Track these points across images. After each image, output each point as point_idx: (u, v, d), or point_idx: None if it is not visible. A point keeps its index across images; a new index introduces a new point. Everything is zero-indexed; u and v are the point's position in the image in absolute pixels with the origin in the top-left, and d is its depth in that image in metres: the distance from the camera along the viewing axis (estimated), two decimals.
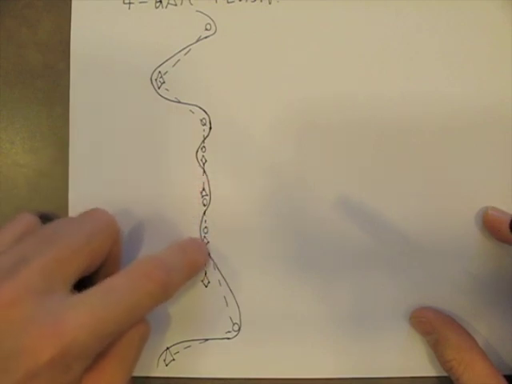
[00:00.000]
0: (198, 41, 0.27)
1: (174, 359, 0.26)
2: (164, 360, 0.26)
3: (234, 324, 0.27)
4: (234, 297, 0.27)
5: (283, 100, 0.27)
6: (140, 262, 0.21)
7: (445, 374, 0.25)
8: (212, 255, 0.27)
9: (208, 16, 0.27)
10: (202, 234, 0.27)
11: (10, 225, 0.23)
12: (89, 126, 0.27)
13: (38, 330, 0.18)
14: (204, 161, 0.27)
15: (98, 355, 0.20)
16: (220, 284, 0.27)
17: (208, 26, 0.27)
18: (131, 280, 0.20)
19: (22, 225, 0.23)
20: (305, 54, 0.27)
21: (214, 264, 0.27)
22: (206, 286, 0.27)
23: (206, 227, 0.27)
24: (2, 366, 0.18)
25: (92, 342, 0.19)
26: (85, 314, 0.19)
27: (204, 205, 0.27)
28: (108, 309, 0.19)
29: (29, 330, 0.18)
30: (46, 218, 0.25)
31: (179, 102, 0.27)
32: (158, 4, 0.27)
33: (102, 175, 0.27)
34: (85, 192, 0.27)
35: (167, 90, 0.27)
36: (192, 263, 0.24)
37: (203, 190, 0.27)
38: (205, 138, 0.27)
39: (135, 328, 0.21)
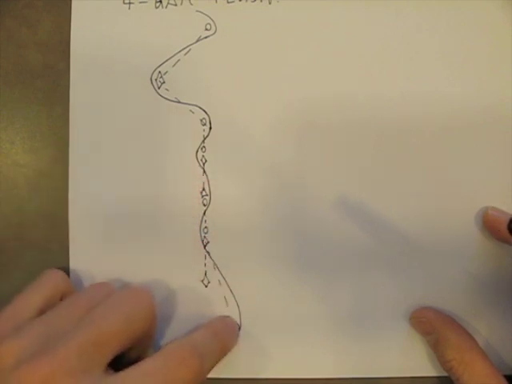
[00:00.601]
0: (198, 41, 0.27)
1: None
2: None
3: None
4: (234, 297, 0.27)
5: (283, 100, 0.27)
6: (176, 348, 0.21)
7: (445, 374, 0.25)
8: (212, 255, 0.27)
9: (208, 16, 0.27)
10: (202, 234, 0.27)
11: (37, 284, 0.23)
12: (89, 126, 0.27)
13: None
14: (204, 161, 0.27)
15: None
16: (220, 284, 0.27)
17: (208, 26, 0.27)
18: (166, 366, 0.20)
19: (51, 285, 0.23)
20: (305, 54, 0.27)
21: (214, 264, 0.27)
22: (206, 286, 0.27)
23: (205, 227, 0.27)
24: None
25: None
26: None
27: (204, 205, 0.27)
28: None
29: None
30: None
31: (179, 102, 0.27)
32: (158, 4, 0.27)
33: (102, 175, 0.27)
34: (85, 192, 0.27)
35: (167, 90, 0.27)
36: (224, 345, 0.24)
37: (203, 189, 0.27)
38: (205, 138, 0.27)
39: None
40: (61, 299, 0.24)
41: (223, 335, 0.25)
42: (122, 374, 0.20)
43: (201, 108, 0.27)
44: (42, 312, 0.22)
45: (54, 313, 0.21)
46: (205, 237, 0.27)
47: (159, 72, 0.27)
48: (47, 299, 0.23)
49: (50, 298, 0.23)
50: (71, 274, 0.27)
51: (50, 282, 0.24)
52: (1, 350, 0.19)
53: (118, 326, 0.21)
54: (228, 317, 0.26)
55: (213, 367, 0.23)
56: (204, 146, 0.27)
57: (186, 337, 0.22)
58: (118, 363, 0.21)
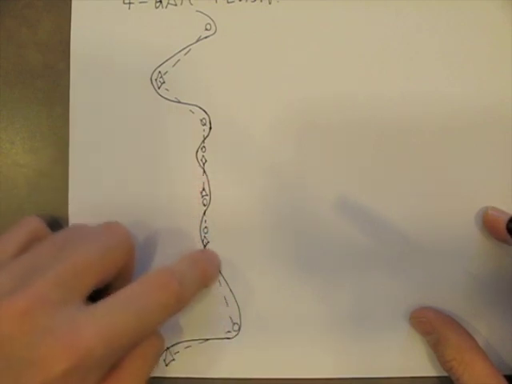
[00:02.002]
0: (198, 41, 0.27)
1: (174, 359, 0.26)
2: (164, 360, 0.26)
3: (234, 324, 0.27)
4: (234, 297, 0.27)
5: (283, 100, 0.27)
6: (153, 273, 0.21)
7: (445, 374, 0.25)
8: None
9: (208, 16, 0.27)
10: (202, 234, 0.27)
11: (15, 229, 0.23)
12: (89, 125, 0.27)
13: (53, 340, 0.18)
14: (204, 161, 0.27)
15: (112, 367, 0.20)
16: (220, 284, 0.27)
17: (208, 26, 0.27)
18: (145, 291, 0.20)
19: (29, 230, 0.23)
20: (305, 53, 0.27)
21: None
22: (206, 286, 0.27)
23: (205, 227, 0.27)
24: (16, 376, 0.18)
25: (107, 353, 0.19)
26: (100, 325, 0.19)
27: (204, 205, 0.27)
28: (123, 319, 0.19)
29: (44, 341, 0.18)
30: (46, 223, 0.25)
31: (179, 102, 0.27)
32: (158, 4, 0.27)
33: (102, 175, 0.27)
34: (85, 192, 0.27)
35: (167, 90, 0.27)
36: (204, 274, 0.24)
37: (203, 189, 0.27)
38: (205, 138, 0.27)
39: (150, 341, 0.21)
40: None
41: (203, 264, 0.24)
42: (101, 303, 0.20)
43: (201, 108, 0.27)
44: (20, 252, 0.22)
45: (30, 252, 0.21)
46: (205, 237, 0.27)
47: (159, 72, 0.27)
48: (24, 243, 0.22)
49: (27, 241, 0.22)
50: None
51: (26, 226, 0.23)
52: None
53: (93, 255, 0.21)
54: (208, 249, 0.26)
55: (194, 295, 0.23)
56: (204, 146, 0.27)
57: (164, 265, 0.22)
58: (99, 298, 0.21)
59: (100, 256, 0.21)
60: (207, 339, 0.27)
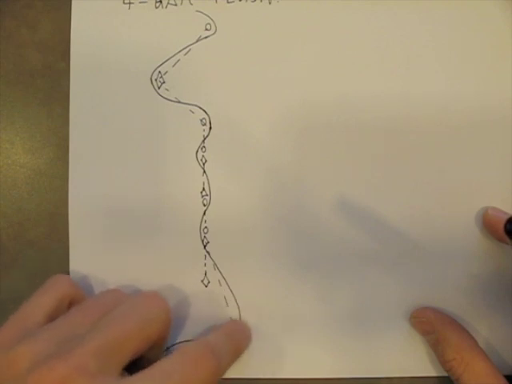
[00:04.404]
0: (197, 41, 0.27)
1: None
2: None
3: None
4: (233, 297, 0.27)
5: (283, 100, 0.27)
6: (191, 348, 0.21)
7: (445, 374, 0.25)
8: (212, 255, 0.27)
9: (208, 16, 0.27)
10: (202, 234, 0.27)
11: (44, 289, 0.23)
12: (89, 125, 0.27)
13: None
14: (204, 161, 0.27)
15: None
16: (220, 284, 0.27)
17: (208, 26, 0.27)
18: (183, 366, 0.20)
19: (58, 289, 0.23)
20: (305, 54, 0.27)
21: (214, 264, 0.27)
22: (206, 286, 0.27)
23: (205, 227, 0.27)
24: None
25: None
26: None
27: (204, 205, 0.27)
28: None
29: None
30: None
31: (179, 101, 0.27)
32: (157, 4, 0.27)
33: (102, 175, 0.27)
34: (85, 192, 0.27)
35: (167, 89, 0.27)
36: (238, 346, 0.25)
37: (203, 189, 0.27)
38: (205, 138, 0.27)
39: None
40: (69, 304, 0.24)
41: (236, 336, 0.25)
42: (139, 376, 0.19)
43: (201, 108, 0.27)
44: (51, 317, 0.22)
45: (66, 318, 0.21)
46: (205, 237, 0.27)
47: (159, 72, 0.27)
48: (56, 303, 0.23)
49: (58, 302, 0.23)
50: (71, 274, 0.27)
51: (56, 286, 0.23)
52: (15, 354, 0.19)
53: (134, 328, 0.21)
54: (241, 321, 0.27)
55: (228, 368, 0.23)
56: (204, 146, 0.27)
57: (200, 338, 0.22)
58: (131, 366, 0.21)
59: (139, 329, 0.21)
60: None
